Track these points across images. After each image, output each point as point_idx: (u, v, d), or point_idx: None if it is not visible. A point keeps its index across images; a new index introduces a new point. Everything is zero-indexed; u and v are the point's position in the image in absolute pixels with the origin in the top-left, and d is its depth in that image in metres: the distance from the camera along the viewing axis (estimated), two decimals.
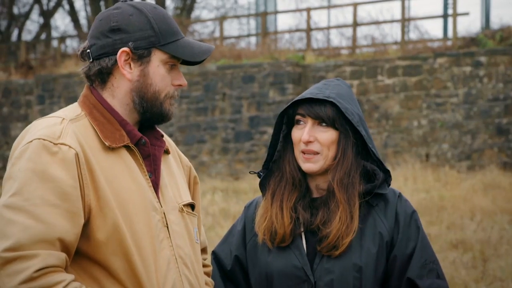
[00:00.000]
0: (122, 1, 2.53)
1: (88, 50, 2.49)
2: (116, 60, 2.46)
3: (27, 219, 2.27)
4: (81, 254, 2.37)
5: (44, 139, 2.35)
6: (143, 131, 2.55)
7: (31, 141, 2.35)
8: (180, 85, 2.54)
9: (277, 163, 2.92)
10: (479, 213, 12.30)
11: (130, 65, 2.47)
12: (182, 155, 2.74)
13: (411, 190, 13.76)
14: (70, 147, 2.36)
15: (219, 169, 18.33)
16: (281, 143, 2.92)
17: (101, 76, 2.49)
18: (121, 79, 2.48)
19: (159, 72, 2.49)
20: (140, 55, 2.47)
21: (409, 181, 14.85)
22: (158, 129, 2.59)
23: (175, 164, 2.66)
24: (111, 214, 2.37)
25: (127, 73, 2.47)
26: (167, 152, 2.62)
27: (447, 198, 13.40)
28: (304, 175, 2.89)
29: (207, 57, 2.52)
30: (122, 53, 2.45)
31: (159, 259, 2.44)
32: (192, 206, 2.65)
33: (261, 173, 2.93)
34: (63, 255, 2.30)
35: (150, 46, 2.47)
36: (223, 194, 15.35)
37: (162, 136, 2.59)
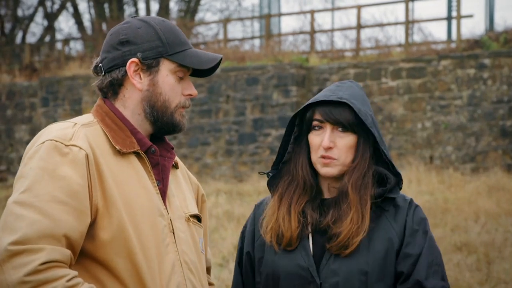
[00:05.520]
0: (132, 17, 2.65)
1: (100, 64, 2.59)
2: (126, 71, 2.55)
3: (35, 214, 2.32)
4: (84, 254, 2.41)
5: (56, 141, 2.43)
6: (154, 142, 2.63)
7: (43, 142, 2.44)
8: (191, 95, 2.62)
9: (287, 165, 2.91)
10: (483, 215, 12.29)
11: (140, 75, 2.56)
12: (190, 174, 2.83)
13: (415, 193, 13.75)
14: (80, 148, 2.44)
15: (223, 171, 18.33)
16: (292, 145, 2.90)
17: (113, 88, 2.58)
18: (132, 90, 2.58)
19: (168, 82, 2.57)
20: (149, 65, 2.55)
21: (413, 183, 14.85)
22: (168, 141, 2.67)
23: (183, 179, 2.74)
24: (117, 215, 2.43)
25: (137, 83, 2.55)
26: (176, 166, 2.71)
27: (451, 201, 13.39)
28: (316, 178, 2.88)
29: (213, 65, 2.59)
30: (131, 64, 2.55)
31: (164, 262, 2.48)
32: (198, 218, 2.71)
33: (270, 174, 2.93)
34: (68, 252, 2.34)
35: (158, 56, 2.56)
36: (227, 196, 15.35)
37: (172, 148, 2.66)
